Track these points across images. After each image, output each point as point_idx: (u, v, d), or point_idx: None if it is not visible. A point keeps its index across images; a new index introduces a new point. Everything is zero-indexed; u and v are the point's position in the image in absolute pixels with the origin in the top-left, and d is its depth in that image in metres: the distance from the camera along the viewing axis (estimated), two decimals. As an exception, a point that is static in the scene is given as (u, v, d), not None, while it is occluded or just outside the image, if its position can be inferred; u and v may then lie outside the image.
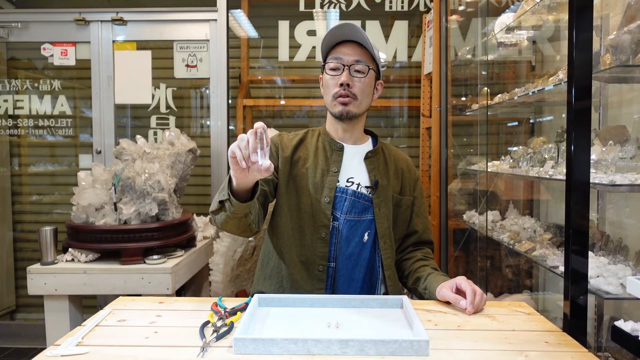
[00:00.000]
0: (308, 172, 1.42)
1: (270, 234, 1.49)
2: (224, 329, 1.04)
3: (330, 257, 1.38)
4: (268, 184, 1.39)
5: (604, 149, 1.56)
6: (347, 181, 1.42)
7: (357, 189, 1.41)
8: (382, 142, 1.55)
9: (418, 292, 1.40)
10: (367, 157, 1.46)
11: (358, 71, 1.38)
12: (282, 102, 3.35)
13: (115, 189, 2.06)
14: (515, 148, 2.35)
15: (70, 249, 2.06)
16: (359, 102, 1.40)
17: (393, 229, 1.47)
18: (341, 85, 1.37)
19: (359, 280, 1.39)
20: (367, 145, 1.51)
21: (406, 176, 1.52)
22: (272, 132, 2.33)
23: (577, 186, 1.16)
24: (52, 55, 2.96)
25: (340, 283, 1.38)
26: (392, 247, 1.45)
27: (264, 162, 0.99)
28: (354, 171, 1.44)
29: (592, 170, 1.20)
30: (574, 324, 1.16)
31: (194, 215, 2.52)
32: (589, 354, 0.96)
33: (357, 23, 3.04)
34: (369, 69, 1.39)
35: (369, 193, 1.42)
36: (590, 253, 1.55)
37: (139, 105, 3.06)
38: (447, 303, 1.24)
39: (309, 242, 1.39)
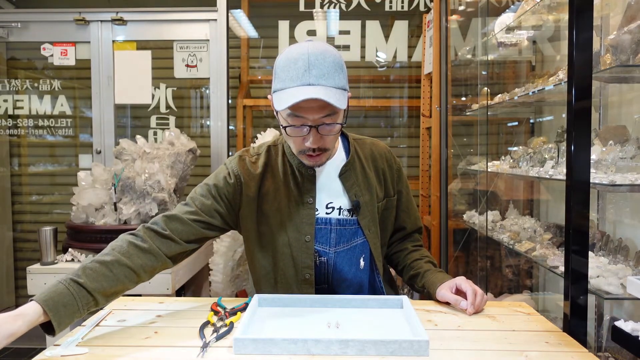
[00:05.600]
0: (281, 206, 1.26)
1: (250, 267, 1.37)
2: (224, 329, 1.04)
3: (317, 290, 1.28)
4: (211, 228, 1.25)
5: (604, 149, 1.56)
6: (327, 207, 1.27)
7: (340, 214, 1.27)
8: (354, 141, 1.37)
9: (415, 288, 1.35)
10: (342, 173, 1.29)
11: (327, 125, 1.14)
12: (282, 102, 3.34)
13: (115, 189, 2.06)
14: (515, 148, 2.35)
15: (70, 249, 2.06)
16: (330, 151, 1.22)
17: (382, 234, 1.37)
18: (309, 147, 1.17)
19: None
20: (340, 154, 1.32)
21: (388, 174, 1.37)
22: (272, 132, 2.33)
23: (577, 186, 1.15)
24: (52, 55, 2.96)
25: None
26: (382, 261, 1.38)
27: None
28: (331, 194, 1.28)
29: (592, 170, 1.20)
30: (574, 324, 1.16)
31: (194, 215, 2.52)
32: (589, 354, 0.96)
33: (357, 23, 3.08)
34: (340, 124, 1.18)
35: (352, 215, 1.28)
36: (590, 253, 1.55)
37: (139, 105, 3.06)
38: (447, 303, 1.24)
39: (293, 284, 1.27)
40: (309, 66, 1.09)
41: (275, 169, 1.30)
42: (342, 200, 1.29)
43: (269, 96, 1.25)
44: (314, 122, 1.13)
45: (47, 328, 0.99)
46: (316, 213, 1.27)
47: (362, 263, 1.30)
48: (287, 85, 1.12)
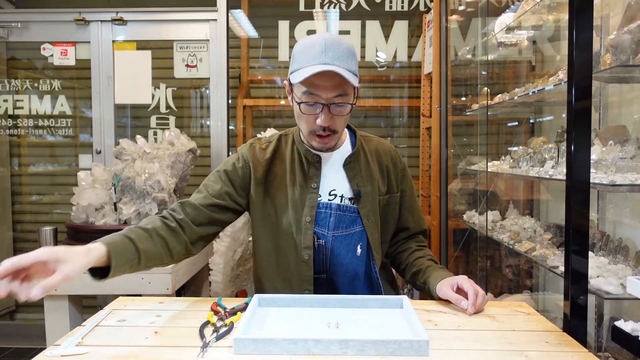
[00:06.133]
0: (287, 190, 1.33)
1: (254, 250, 1.43)
2: (224, 329, 1.04)
3: (316, 280, 1.32)
4: (223, 211, 1.33)
5: (604, 149, 1.56)
6: (330, 194, 1.33)
7: (341, 201, 1.33)
8: (361, 136, 1.43)
9: (417, 285, 1.36)
10: (347, 164, 1.35)
11: (338, 106, 1.22)
12: (282, 102, 3.35)
13: (115, 189, 2.06)
14: (515, 148, 2.35)
15: (70, 249, 2.06)
16: (339, 134, 1.29)
17: (384, 229, 1.40)
18: (320, 125, 1.23)
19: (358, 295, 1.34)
20: (346, 146, 1.39)
21: (392, 171, 1.42)
22: (272, 132, 2.33)
23: (577, 186, 1.16)
24: (52, 55, 2.96)
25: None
26: (382, 253, 1.41)
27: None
28: (334, 182, 1.34)
29: (592, 170, 1.20)
30: (574, 324, 1.16)
31: (194, 215, 2.52)
32: (589, 354, 0.96)
33: (357, 23, 3.08)
34: (350, 104, 1.24)
35: (353, 204, 1.34)
36: (590, 253, 1.55)
37: (139, 105, 3.06)
38: (447, 303, 1.24)
39: (293, 264, 1.32)
40: (325, 49, 1.17)
41: (283, 156, 1.38)
42: (344, 189, 1.34)
43: (284, 82, 1.32)
44: (326, 101, 1.21)
45: (94, 273, 1.08)
46: (319, 198, 1.33)
47: (359, 250, 1.34)
48: (304, 65, 1.19)
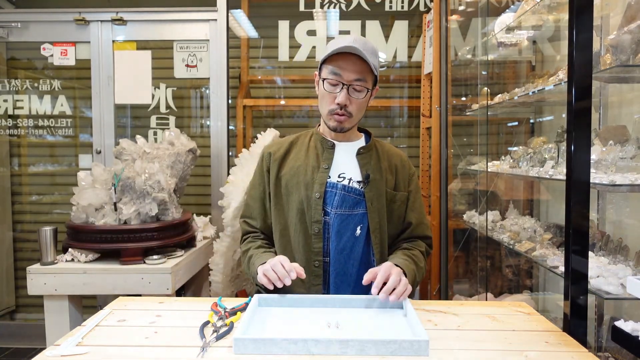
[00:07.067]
0: (299, 171, 1.45)
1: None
2: (224, 329, 1.04)
3: (324, 252, 1.40)
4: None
5: (604, 149, 1.56)
6: (339, 177, 1.44)
7: (349, 183, 1.42)
8: (375, 139, 1.56)
9: None
10: (359, 153, 1.47)
11: (356, 89, 1.38)
12: (282, 102, 3.35)
13: (115, 189, 2.06)
14: (515, 148, 2.35)
15: (70, 249, 2.06)
16: (354, 118, 1.43)
17: (388, 225, 1.46)
18: (338, 103, 1.38)
19: (352, 274, 1.40)
20: (360, 142, 1.52)
21: (400, 172, 1.52)
22: (272, 132, 2.33)
23: (577, 186, 1.16)
24: (52, 55, 2.96)
25: (333, 277, 1.39)
26: (383, 241, 1.44)
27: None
28: (345, 167, 1.45)
29: (592, 170, 1.20)
30: (574, 324, 1.16)
31: (194, 215, 2.52)
32: (589, 354, 0.96)
33: (357, 23, 3.08)
34: (367, 90, 1.40)
35: (361, 187, 1.42)
36: (590, 253, 1.55)
37: (139, 105, 3.06)
38: (447, 303, 1.24)
39: (304, 238, 1.41)
40: (354, 40, 1.35)
41: (301, 144, 1.53)
42: (354, 173, 1.45)
43: (314, 73, 1.47)
44: (347, 82, 1.36)
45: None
46: (328, 178, 1.43)
47: (358, 231, 1.41)
48: (333, 49, 1.35)
